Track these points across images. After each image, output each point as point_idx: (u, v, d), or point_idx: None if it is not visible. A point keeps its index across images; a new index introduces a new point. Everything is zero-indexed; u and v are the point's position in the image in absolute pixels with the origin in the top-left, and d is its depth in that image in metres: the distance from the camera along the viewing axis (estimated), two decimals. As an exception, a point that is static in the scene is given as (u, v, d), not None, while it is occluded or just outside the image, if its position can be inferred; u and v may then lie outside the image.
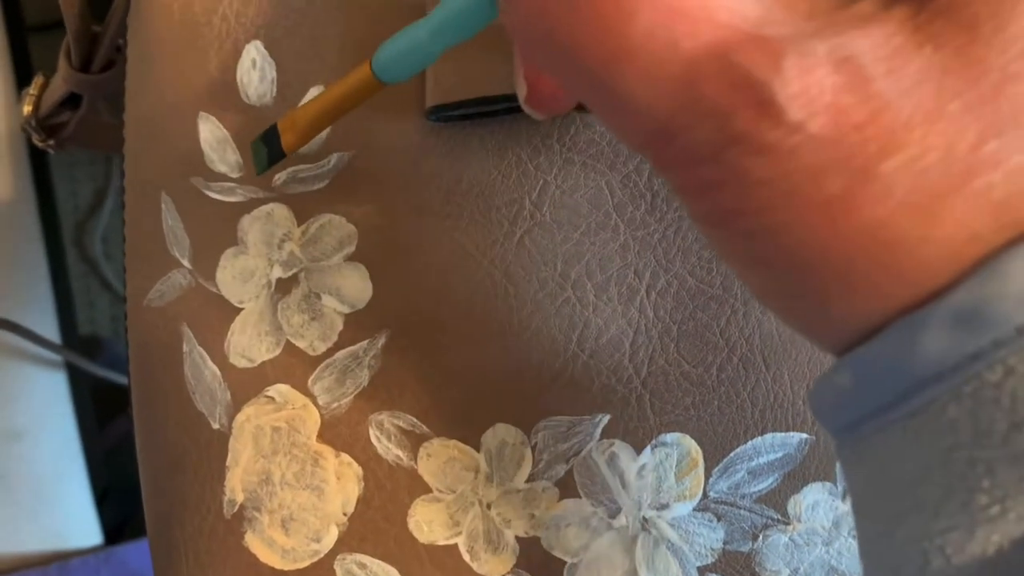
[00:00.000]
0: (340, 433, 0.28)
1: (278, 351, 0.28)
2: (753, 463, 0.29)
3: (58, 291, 0.63)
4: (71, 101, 0.37)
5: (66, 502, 0.59)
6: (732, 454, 0.28)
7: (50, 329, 0.61)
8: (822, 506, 0.29)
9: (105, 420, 0.64)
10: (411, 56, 0.22)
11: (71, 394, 0.60)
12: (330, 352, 0.28)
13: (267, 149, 0.26)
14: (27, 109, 0.38)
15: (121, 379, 0.60)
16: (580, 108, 0.27)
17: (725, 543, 0.28)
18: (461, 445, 0.28)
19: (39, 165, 0.64)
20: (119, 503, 0.63)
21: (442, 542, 0.28)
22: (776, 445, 0.29)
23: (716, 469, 0.28)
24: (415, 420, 0.28)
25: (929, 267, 0.14)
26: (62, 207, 0.69)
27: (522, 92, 0.22)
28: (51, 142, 0.39)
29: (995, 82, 0.14)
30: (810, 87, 0.14)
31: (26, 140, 0.54)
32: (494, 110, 0.28)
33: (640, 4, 0.14)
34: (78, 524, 0.60)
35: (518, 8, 0.16)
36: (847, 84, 0.14)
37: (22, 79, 0.63)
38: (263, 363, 0.28)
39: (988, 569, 0.14)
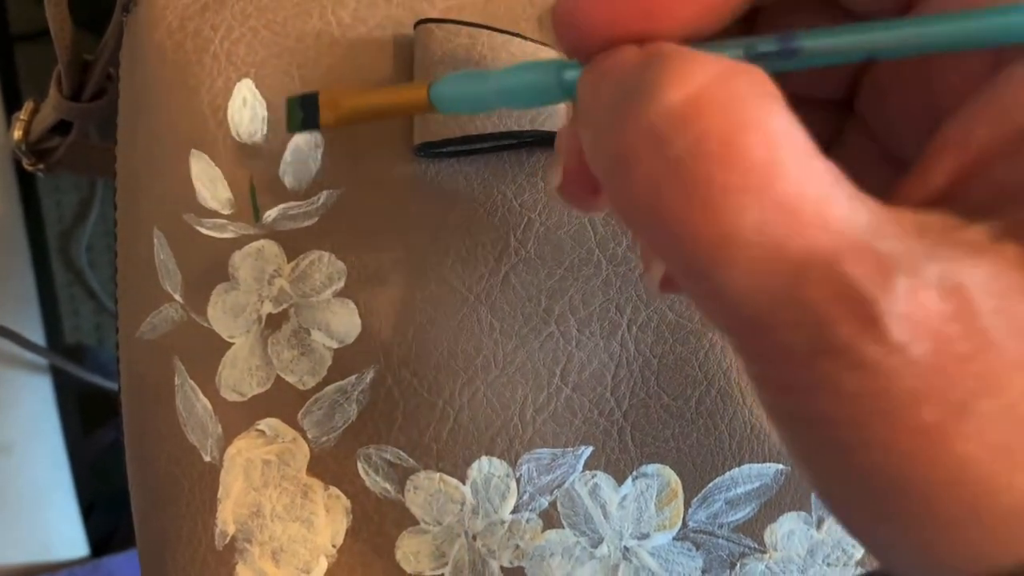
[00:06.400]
0: (329, 467, 0.28)
1: (268, 385, 0.29)
2: (731, 493, 0.29)
3: (44, 300, 0.63)
4: (61, 127, 0.38)
5: (53, 514, 0.59)
6: (711, 484, 0.29)
7: (36, 337, 0.61)
8: (798, 535, 0.30)
9: (90, 429, 0.64)
10: (471, 101, 0.22)
11: (57, 406, 0.60)
12: (319, 387, 0.29)
13: (303, 115, 0.25)
14: (17, 134, 0.38)
15: (108, 384, 0.61)
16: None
17: (704, 572, 0.29)
18: (447, 478, 0.28)
19: (24, 175, 0.64)
20: (106, 514, 0.63)
21: (429, 573, 0.28)
22: (753, 475, 0.29)
23: (695, 499, 0.29)
24: (402, 453, 0.28)
25: (1011, 515, 0.13)
26: (47, 216, 0.69)
27: (556, 180, 0.21)
28: (41, 166, 0.39)
29: None
30: (916, 310, 0.13)
31: (12, 151, 0.54)
32: (480, 148, 0.29)
33: (752, 200, 0.14)
34: (65, 536, 0.60)
35: (627, 179, 0.15)
36: (955, 313, 0.13)
37: (8, 88, 0.63)
38: (254, 397, 0.29)
39: None
